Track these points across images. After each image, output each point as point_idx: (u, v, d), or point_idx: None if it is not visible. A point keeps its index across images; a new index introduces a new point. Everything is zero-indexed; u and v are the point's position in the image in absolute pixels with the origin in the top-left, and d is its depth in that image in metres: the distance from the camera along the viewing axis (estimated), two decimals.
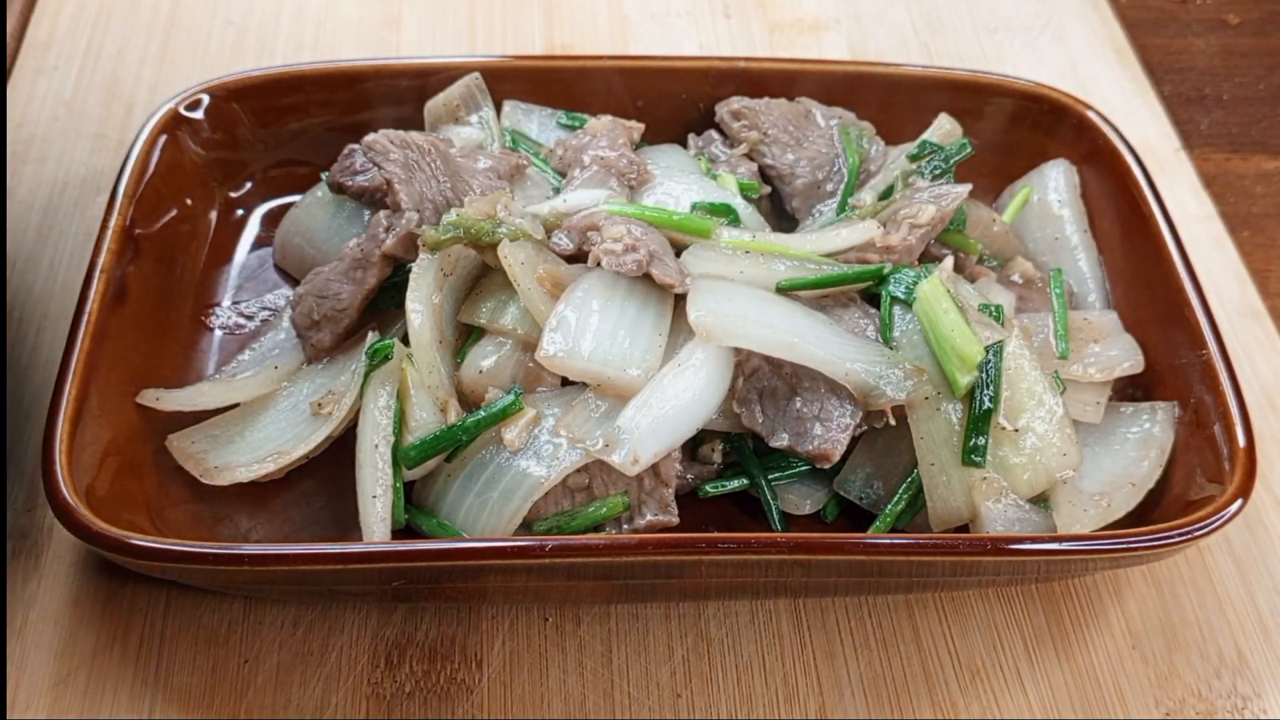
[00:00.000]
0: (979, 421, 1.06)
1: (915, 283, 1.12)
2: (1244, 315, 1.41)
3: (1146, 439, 1.15)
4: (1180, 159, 1.59)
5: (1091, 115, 1.35)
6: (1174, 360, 1.19)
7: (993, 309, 1.13)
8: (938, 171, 1.27)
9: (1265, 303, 1.42)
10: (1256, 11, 1.86)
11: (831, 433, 1.08)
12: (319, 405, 1.12)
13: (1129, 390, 1.22)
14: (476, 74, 1.35)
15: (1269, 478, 1.25)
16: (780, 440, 1.09)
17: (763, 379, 1.11)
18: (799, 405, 1.09)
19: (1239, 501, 1.04)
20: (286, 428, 1.13)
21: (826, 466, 1.09)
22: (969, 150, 1.29)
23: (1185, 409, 1.16)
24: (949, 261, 1.16)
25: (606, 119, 1.34)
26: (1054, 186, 1.36)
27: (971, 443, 1.06)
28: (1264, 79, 1.76)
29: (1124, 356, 1.21)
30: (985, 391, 1.07)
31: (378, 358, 1.10)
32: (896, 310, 1.12)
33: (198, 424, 1.14)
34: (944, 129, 1.34)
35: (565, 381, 1.11)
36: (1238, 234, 1.50)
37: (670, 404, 1.05)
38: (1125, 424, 1.17)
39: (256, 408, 1.16)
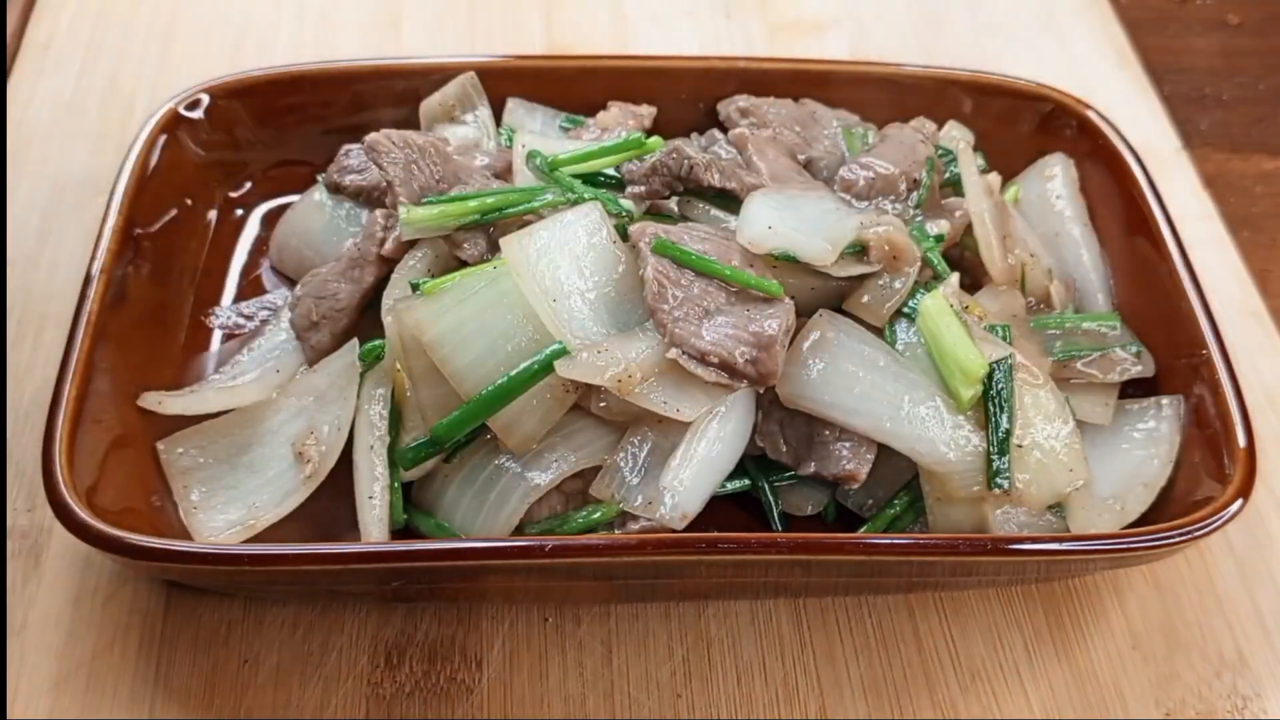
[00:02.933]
0: (1000, 445, 1.06)
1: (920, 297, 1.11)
2: (1244, 315, 1.41)
3: (1154, 436, 1.15)
4: (1180, 159, 1.59)
5: (1091, 115, 1.35)
6: (1174, 360, 1.19)
7: (1000, 328, 1.13)
8: (950, 181, 1.27)
9: (1265, 303, 1.42)
10: (1256, 11, 1.86)
11: (857, 454, 1.07)
12: (300, 453, 1.09)
13: (1127, 389, 1.22)
14: (471, 73, 1.35)
15: (1269, 478, 1.25)
16: (808, 469, 1.09)
17: (780, 409, 1.10)
18: (821, 430, 1.09)
19: (1239, 501, 1.04)
20: (271, 478, 1.10)
21: (854, 487, 1.09)
22: (982, 166, 1.29)
23: (1185, 409, 1.16)
24: (954, 278, 1.15)
25: (615, 109, 1.34)
26: (1052, 182, 1.35)
27: (994, 467, 1.05)
28: (1264, 79, 1.76)
29: (1133, 360, 1.20)
30: (1001, 414, 1.06)
31: (369, 358, 1.09)
32: (900, 325, 1.12)
33: (191, 428, 1.14)
34: (952, 136, 1.34)
35: None
36: (1238, 234, 1.50)
37: (709, 453, 1.05)
38: (1131, 421, 1.17)
39: (247, 430, 1.13)
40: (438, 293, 1.05)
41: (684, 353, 1.03)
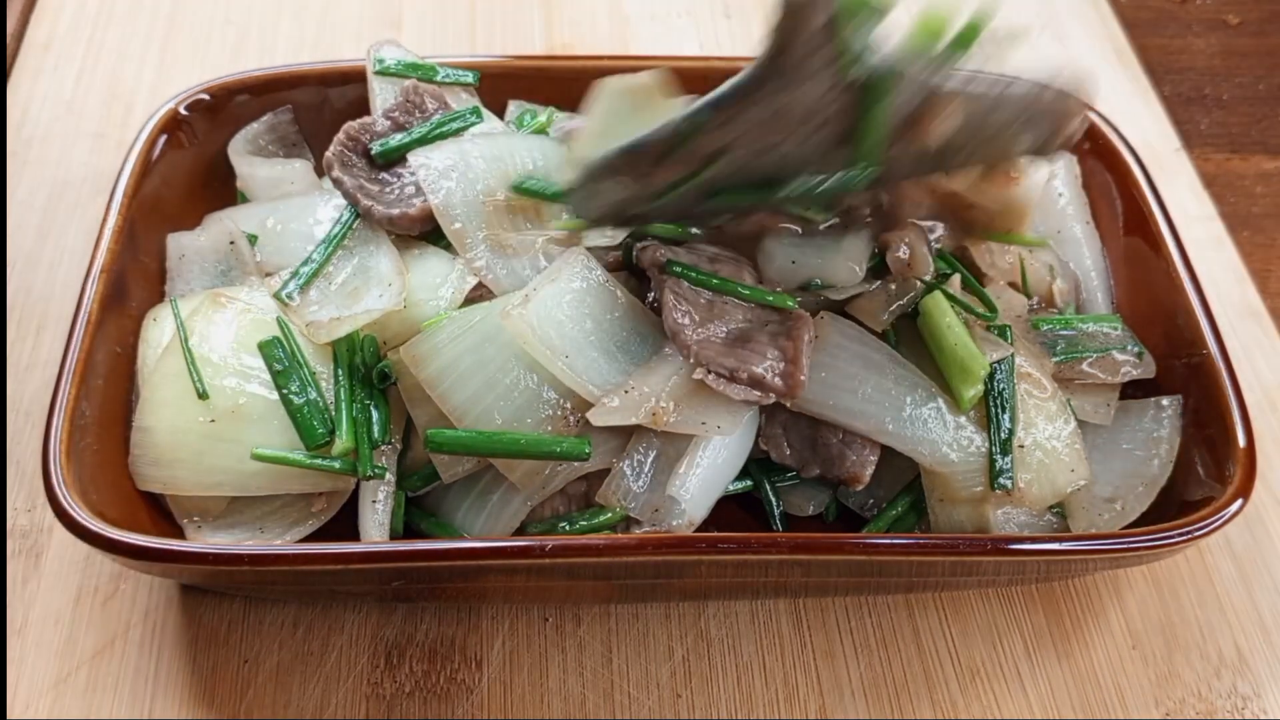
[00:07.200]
0: (1003, 445, 1.06)
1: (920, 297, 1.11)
2: (1244, 315, 1.41)
3: (1154, 436, 1.15)
4: (1180, 159, 1.59)
5: (1091, 115, 1.35)
6: (1174, 360, 1.19)
7: (1000, 328, 1.13)
8: None
9: (1265, 303, 1.42)
10: (1256, 11, 1.86)
11: (860, 456, 1.07)
12: (309, 507, 1.08)
13: (1127, 389, 1.22)
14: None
15: (1269, 478, 1.25)
16: (812, 471, 1.09)
17: (783, 412, 1.10)
18: (823, 433, 1.09)
19: (1239, 501, 1.04)
20: (279, 507, 1.09)
21: (859, 489, 1.09)
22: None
23: (1185, 409, 1.16)
24: (956, 279, 1.15)
25: None
26: (1053, 180, 1.34)
27: (997, 467, 1.05)
28: (1264, 79, 1.76)
29: (1135, 361, 1.20)
30: (1003, 414, 1.06)
31: (384, 384, 1.09)
32: (901, 325, 1.11)
33: None
34: None
35: None
36: (1238, 234, 1.50)
37: (715, 460, 1.05)
38: (1131, 421, 1.17)
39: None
40: (433, 328, 1.04)
41: (710, 372, 1.03)
